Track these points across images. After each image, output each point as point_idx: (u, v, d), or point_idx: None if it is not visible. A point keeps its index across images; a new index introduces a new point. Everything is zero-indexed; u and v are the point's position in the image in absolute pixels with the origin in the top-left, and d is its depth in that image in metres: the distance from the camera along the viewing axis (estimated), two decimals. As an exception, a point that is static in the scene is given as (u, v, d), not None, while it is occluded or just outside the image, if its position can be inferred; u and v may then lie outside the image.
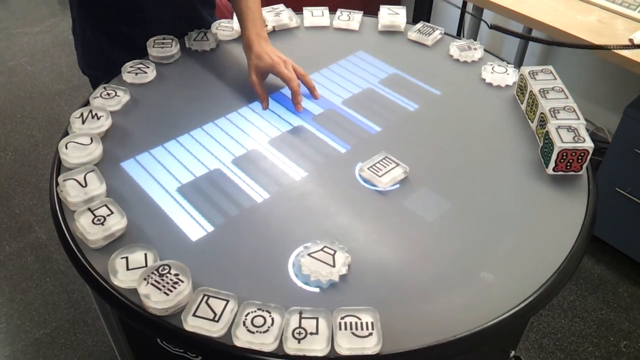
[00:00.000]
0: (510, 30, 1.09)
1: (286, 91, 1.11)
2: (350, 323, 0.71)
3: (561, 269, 0.80)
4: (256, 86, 1.10)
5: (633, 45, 1.13)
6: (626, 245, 1.86)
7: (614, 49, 1.07)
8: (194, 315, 0.72)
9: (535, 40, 1.08)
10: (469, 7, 2.06)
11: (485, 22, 1.13)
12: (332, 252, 0.80)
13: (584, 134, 0.94)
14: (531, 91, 1.05)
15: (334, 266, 0.78)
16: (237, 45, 1.27)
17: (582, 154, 0.93)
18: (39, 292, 1.83)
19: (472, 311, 0.75)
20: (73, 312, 1.77)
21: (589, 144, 0.92)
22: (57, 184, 0.89)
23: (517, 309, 0.75)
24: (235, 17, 1.30)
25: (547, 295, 0.78)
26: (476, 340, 0.73)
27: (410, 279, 0.79)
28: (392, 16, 1.32)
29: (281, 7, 1.35)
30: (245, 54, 1.13)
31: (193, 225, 0.86)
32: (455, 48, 1.23)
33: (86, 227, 0.81)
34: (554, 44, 1.04)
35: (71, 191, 0.86)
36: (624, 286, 1.86)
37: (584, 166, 0.95)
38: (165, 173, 0.95)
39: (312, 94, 1.10)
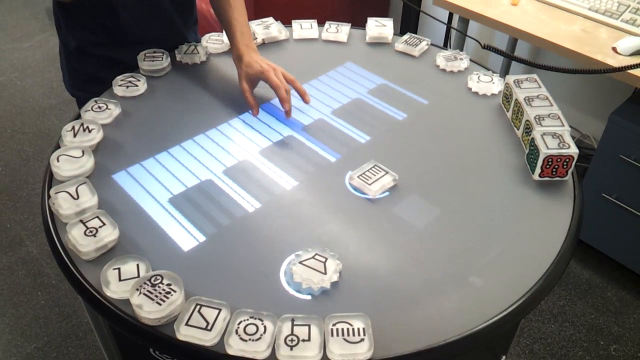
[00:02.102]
0: (503, 51, 1.11)
1: (277, 102, 1.12)
2: (342, 329, 0.72)
3: (549, 272, 0.82)
4: (247, 94, 1.11)
5: (625, 67, 1.10)
6: (614, 250, 1.88)
7: (604, 72, 1.09)
8: (186, 324, 0.72)
9: (526, 63, 1.10)
10: (455, 20, 2.09)
11: (478, 41, 1.14)
12: (323, 259, 0.80)
13: (568, 140, 0.96)
14: (516, 99, 1.07)
15: (325, 273, 0.79)
16: (227, 58, 1.28)
17: (568, 160, 0.95)
18: (30, 307, 1.82)
19: (462, 315, 0.76)
20: (65, 326, 1.76)
21: (573, 150, 0.94)
22: (49, 197, 0.89)
23: (506, 312, 0.76)
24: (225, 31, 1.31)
25: (535, 298, 0.79)
26: (467, 344, 0.74)
27: (400, 284, 0.80)
28: (380, 28, 1.34)
29: (270, 20, 1.37)
30: (235, 65, 1.15)
31: (185, 236, 0.86)
32: (441, 58, 1.25)
33: (78, 239, 0.81)
34: (546, 68, 1.06)
35: (63, 203, 0.87)
36: (613, 290, 1.88)
37: (570, 172, 0.97)
38: (156, 184, 0.95)
39: (303, 98, 1.12)
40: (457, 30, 1.52)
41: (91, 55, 1.23)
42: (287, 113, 1.09)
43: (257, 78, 1.11)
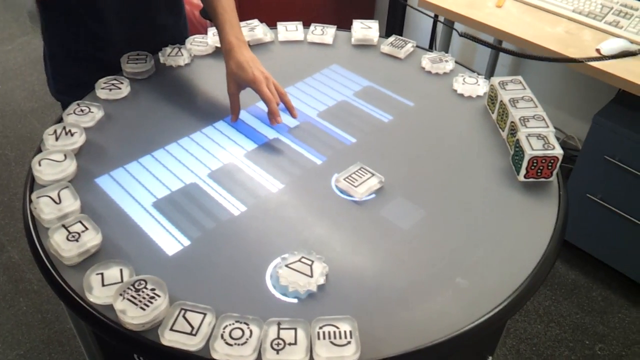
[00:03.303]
0: (480, 39, 1.12)
1: (262, 104, 1.12)
2: (329, 332, 0.71)
3: (534, 272, 0.82)
4: (233, 97, 1.09)
5: (601, 57, 1.15)
6: (598, 250, 1.90)
7: (584, 61, 1.11)
8: (171, 329, 0.71)
9: (501, 50, 1.12)
10: (441, 18, 2.10)
11: (456, 30, 1.16)
12: (309, 262, 0.80)
13: (553, 141, 0.96)
14: (501, 101, 1.07)
15: (311, 276, 0.78)
16: (211, 60, 1.27)
17: (552, 161, 0.95)
18: (12, 313, 1.79)
19: (448, 317, 0.76)
20: (47, 332, 1.74)
21: (558, 151, 0.95)
22: (31, 201, 0.88)
23: (492, 313, 0.76)
24: (209, 33, 1.31)
25: (521, 299, 0.79)
26: (453, 346, 0.74)
27: (387, 286, 0.80)
28: (365, 30, 1.34)
29: (255, 22, 1.36)
30: (224, 58, 1.10)
31: (169, 240, 0.85)
32: (427, 60, 1.26)
33: (60, 244, 0.80)
34: (520, 56, 1.07)
35: (45, 208, 0.85)
36: (598, 290, 1.90)
37: (554, 173, 0.97)
38: (140, 188, 0.94)
39: (291, 113, 1.10)
40: (444, 23, 1.53)
41: (77, 59, 1.21)
42: (273, 122, 1.08)
43: (247, 85, 1.08)
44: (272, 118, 1.07)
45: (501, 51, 1.07)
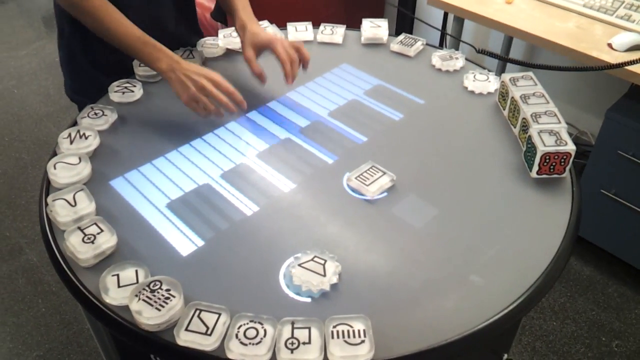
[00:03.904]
0: (499, 55, 1.12)
1: (273, 105, 1.13)
2: (343, 331, 0.72)
3: (549, 269, 0.82)
4: (251, 62, 1.12)
5: (619, 65, 1.12)
6: (613, 245, 1.88)
7: (595, 70, 1.10)
8: (186, 329, 0.72)
9: (520, 64, 1.11)
10: (450, 20, 2.10)
11: (472, 46, 1.15)
12: (322, 261, 0.80)
13: (565, 137, 0.96)
14: (512, 97, 1.07)
15: (324, 275, 0.79)
16: (222, 62, 1.28)
17: (565, 157, 0.95)
18: (31, 315, 1.82)
19: (462, 315, 0.76)
20: (66, 333, 1.76)
21: (570, 147, 0.94)
22: (47, 204, 0.89)
23: (507, 310, 0.76)
24: (220, 35, 1.32)
25: (536, 296, 0.79)
26: (468, 343, 0.74)
27: (400, 285, 0.80)
28: (375, 29, 1.35)
29: (266, 23, 1.36)
30: (239, 35, 1.17)
31: (183, 241, 0.86)
32: (437, 58, 1.25)
33: (76, 246, 0.81)
34: (543, 68, 1.07)
35: (61, 211, 0.87)
36: (614, 286, 1.88)
37: (567, 168, 0.97)
38: (154, 190, 0.95)
39: (303, 65, 1.14)
40: (451, 35, 1.53)
41: (96, 63, 1.23)
42: (287, 81, 1.12)
43: (263, 47, 1.13)
44: (286, 78, 1.12)
45: (516, 64, 1.07)
